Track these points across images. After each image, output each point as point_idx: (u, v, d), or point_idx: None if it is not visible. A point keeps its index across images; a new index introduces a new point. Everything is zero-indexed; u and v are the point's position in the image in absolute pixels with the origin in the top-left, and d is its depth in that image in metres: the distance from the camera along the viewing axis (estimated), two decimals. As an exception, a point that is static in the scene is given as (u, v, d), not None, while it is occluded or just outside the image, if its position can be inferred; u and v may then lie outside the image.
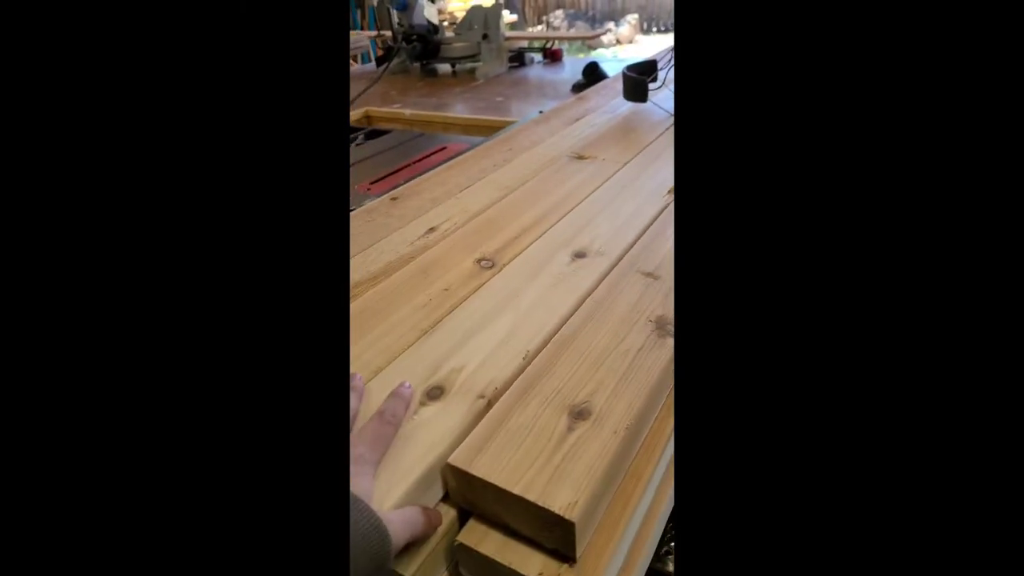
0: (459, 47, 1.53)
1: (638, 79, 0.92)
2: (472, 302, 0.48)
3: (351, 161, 1.08)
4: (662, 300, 0.47)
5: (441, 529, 0.34)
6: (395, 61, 1.56)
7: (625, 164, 0.74)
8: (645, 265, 0.52)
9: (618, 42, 5.41)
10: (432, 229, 0.61)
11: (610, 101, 1.03)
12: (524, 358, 0.41)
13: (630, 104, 0.97)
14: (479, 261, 0.54)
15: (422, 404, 0.38)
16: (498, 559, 0.32)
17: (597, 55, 1.45)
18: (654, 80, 0.95)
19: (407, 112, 1.31)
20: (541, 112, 1.07)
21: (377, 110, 1.36)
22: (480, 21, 1.50)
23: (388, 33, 1.62)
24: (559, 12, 5.88)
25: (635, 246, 0.55)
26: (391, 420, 0.35)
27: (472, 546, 0.33)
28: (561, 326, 0.44)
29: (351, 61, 2.05)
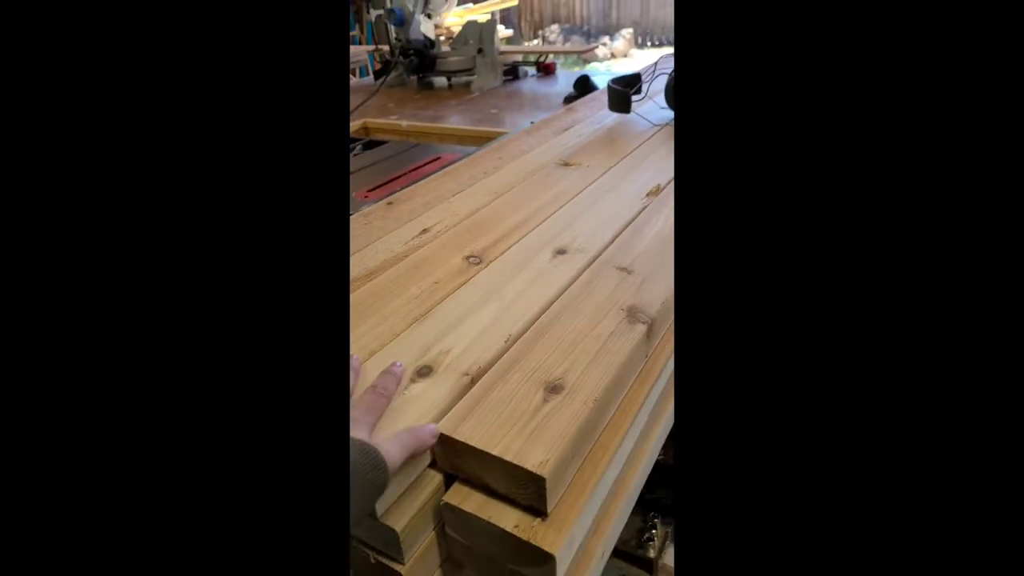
0: (455, 61, 1.58)
1: (622, 91, 0.97)
2: (460, 293, 0.52)
3: (351, 170, 1.12)
4: (634, 292, 0.51)
5: (428, 492, 0.38)
6: (392, 74, 1.61)
7: (608, 170, 0.79)
8: (621, 261, 0.56)
9: (612, 56, 5.50)
10: (425, 230, 0.66)
11: (596, 112, 1.08)
12: (506, 341, 0.45)
13: (615, 115, 1.02)
14: (467, 258, 0.58)
15: (412, 381, 0.42)
16: (479, 514, 0.36)
17: (591, 69, 1.51)
18: (638, 92, 1.00)
19: (404, 123, 1.36)
20: (532, 123, 1.12)
21: (375, 121, 1.40)
22: (475, 36, 1.56)
23: (386, 47, 1.67)
24: (555, 26, 5.99)
25: (612, 244, 0.59)
26: (383, 393, 0.40)
27: (456, 504, 0.37)
28: (541, 314, 0.49)
29: (350, 74, 2.10)
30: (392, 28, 1.58)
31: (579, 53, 4.42)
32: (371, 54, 1.68)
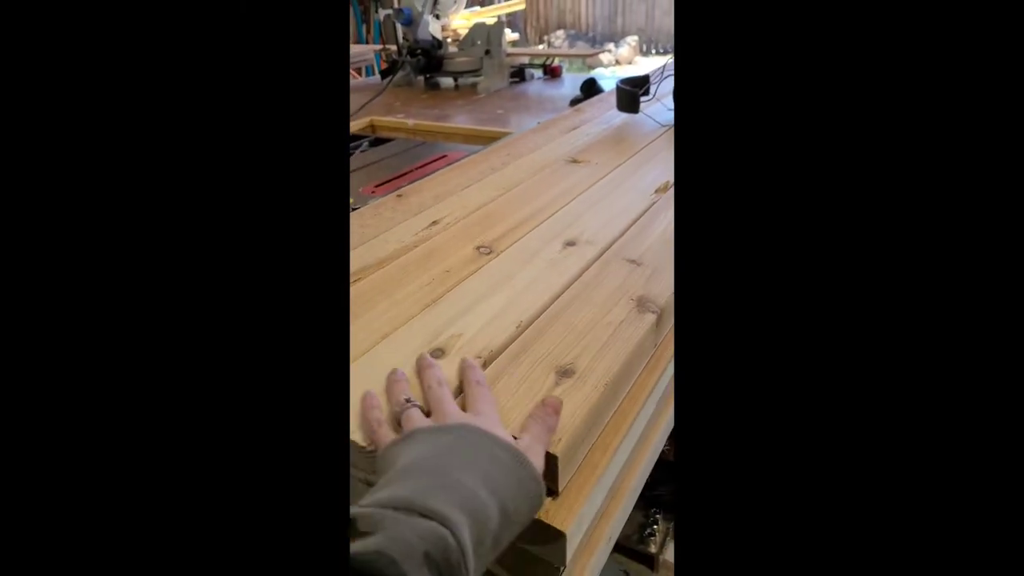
0: (462, 62, 1.60)
1: (631, 91, 0.98)
2: (471, 281, 0.53)
3: (357, 166, 1.13)
4: (644, 283, 0.51)
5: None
6: (399, 74, 1.63)
7: (616, 167, 0.80)
8: (630, 253, 0.57)
9: (617, 63, 5.53)
10: (435, 222, 0.66)
11: (604, 113, 1.09)
12: (517, 327, 0.46)
13: (623, 115, 1.03)
14: (478, 248, 0.59)
15: (425, 363, 0.42)
16: (491, 494, 0.36)
17: (596, 74, 1.53)
18: (646, 93, 1.01)
19: (410, 122, 1.37)
20: (539, 123, 1.12)
21: (381, 119, 1.41)
22: (483, 37, 1.57)
23: (393, 47, 1.68)
24: (560, 32, 6.02)
25: (622, 237, 0.60)
26: (486, 387, 0.39)
27: (468, 483, 0.37)
28: (552, 303, 0.49)
29: (356, 74, 2.12)
30: (400, 28, 1.60)
31: (585, 57, 4.45)
32: (378, 53, 1.69)
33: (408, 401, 0.37)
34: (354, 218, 0.70)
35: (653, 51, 5.89)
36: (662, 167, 0.78)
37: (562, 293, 0.50)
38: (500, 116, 1.37)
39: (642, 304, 0.48)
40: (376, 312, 0.49)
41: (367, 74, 2.20)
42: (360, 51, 1.99)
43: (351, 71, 2.06)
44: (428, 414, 0.37)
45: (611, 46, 5.71)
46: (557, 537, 0.34)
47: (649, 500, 0.80)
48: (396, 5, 1.57)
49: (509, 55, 1.71)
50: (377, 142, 1.30)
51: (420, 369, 0.41)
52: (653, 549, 0.76)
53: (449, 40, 1.68)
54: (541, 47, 5.72)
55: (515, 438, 0.34)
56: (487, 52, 1.58)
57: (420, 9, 1.55)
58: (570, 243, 0.59)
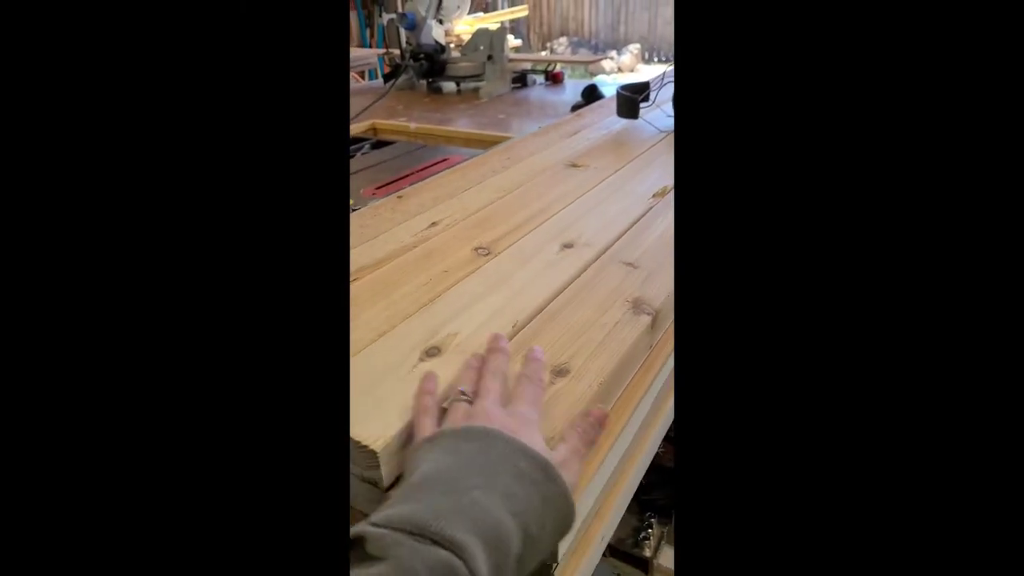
0: (464, 66, 1.60)
1: (631, 97, 0.99)
2: (468, 282, 0.53)
3: (358, 168, 1.13)
4: (640, 285, 0.52)
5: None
6: (402, 78, 1.64)
7: (615, 171, 0.80)
8: (627, 256, 0.57)
9: (619, 70, 5.56)
10: (434, 223, 0.67)
11: (605, 118, 1.10)
12: (513, 327, 0.46)
13: (623, 121, 1.04)
14: (476, 249, 0.59)
15: (421, 360, 0.43)
16: (484, 491, 0.36)
17: (598, 80, 1.54)
18: (646, 99, 1.02)
19: (412, 125, 1.38)
20: (540, 128, 1.13)
21: (383, 123, 1.42)
22: (486, 43, 1.58)
23: (397, 51, 1.69)
24: (563, 39, 6.05)
25: (619, 240, 0.60)
26: (540, 382, 0.38)
27: (461, 481, 0.37)
28: (548, 303, 0.49)
29: (359, 77, 2.13)
30: (404, 32, 1.61)
31: (587, 63, 4.47)
32: (381, 57, 1.70)
33: (463, 394, 0.36)
34: (354, 219, 0.71)
35: (655, 59, 5.92)
36: (660, 172, 0.79)
37: (559, 294, 0.51)
38: (502, 121, 1.37)
39: (638, 306, 0.49)
40: (374, 311, 0.49)
41: (370, 77, 2.21)
42: (363, 55, 2.00)
43: (353, 74, 2.07)
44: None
45: (613, 54, 5.74)
46: (549, 534, 0.34)
47: (644, 504, 0.80)
48: (400, 9, 1.58)
49: (511, 60, 1.72)
50: (379, 145, 1.31)
51: (487, 352, 0.39)
52: (648, 553, 0.76)
53: (452, 45, 1.69)
54: (544, 53, 5.75)
55: (551, 447, 0.33)
56: (489, 57, 1.58)
57: (424, 14, 1.56)
58: (568, 245, 0.59)
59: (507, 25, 1.69)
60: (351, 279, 0.55)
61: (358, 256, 0.59)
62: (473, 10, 1.80)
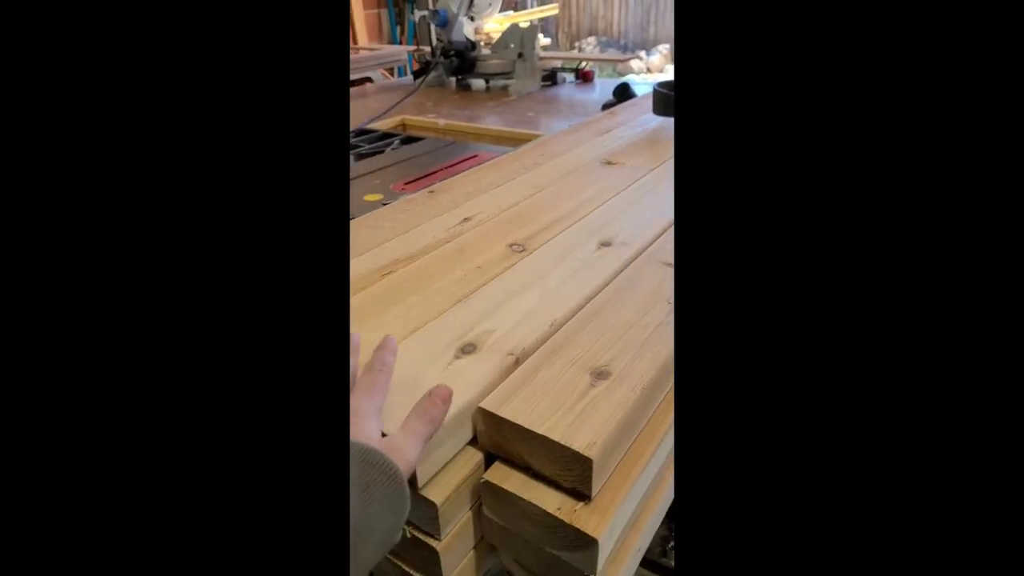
0: (494, 64, 1.59)
1: (668, 94, 0.97)
2: (503, 278, 0.52)
3: (388, 163, 1.13)
4: (681, 286, 0.50)
5: (468, 469, 0.37)
6: (432, 75, 1.63)
7: (651, 170, 0.78)
8: (666, 257, 0.55)
9: (648, 70, 5.50)
10: (467, 219, 0.66)
11: (639, 116, 1.08)
12: (551, 326, 0.45)
13: (659, 119, 1.01)
14: (511, 245, 0.58)
15: (456, 357, 0.41)
16: (521, 495, 0.35)
17: (627, 79, 1.51)
18: (682, 98, 0.99)
19: (441, 122, 1.37)
20: (570, 126, 1.11)
21: (412, 119, 1.42)
22: (516, 40, 1.57)
23: (427, 48, 1.69)
24: (591, 39, 6.01)
25: (657, 240, 0.58)
26: (381, 368, 0.36)
27: (497, 483, 0.36)
28: (586, 303, 0.48)
29: (387, 74, 2.13)
30: (435, 29, 1.60)
31: (616, 63, 4.44)
32: (411, 54, 1.70)
33: None
34: (386, 212, 0.70)
35: (684, 60, 5.82)
36: (699, 171, 0.77)
37: (597, 294, 0.49)
38: (531, 119, 1.36)
39: (679, 308, 0.47)
40: (407, 305, 0.48)
41: (399, 74, 2.21)
42: (394, 51, 2.01)
43: (382, 71, 2.08)
44: None
45: (642, 54, 5.68)
46: (589, 544, 0.33)
47: (670, 514, 0.78)
48: (432, 6, 1.57)
49: (541, 59, 1.71)
50: (408, 140, 1.30)
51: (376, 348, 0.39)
52: (675, 563, 0.74)
53: (481, 43, 1.68)
54: (573, 53, 5.72)
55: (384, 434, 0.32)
56: (520, 55, 1.57)
57: (456, 11, 1.56)
58: (605, 243, 0.58)
59: (537, 23, 1.67)
60: (385, 272, 0.54)
61: (391, 249, 0.59)
62: (503, 8, 1.79)
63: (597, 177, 0.77)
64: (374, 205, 0.88)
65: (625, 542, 0.39)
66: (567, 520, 0.33)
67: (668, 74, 5.37)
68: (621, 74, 4.76)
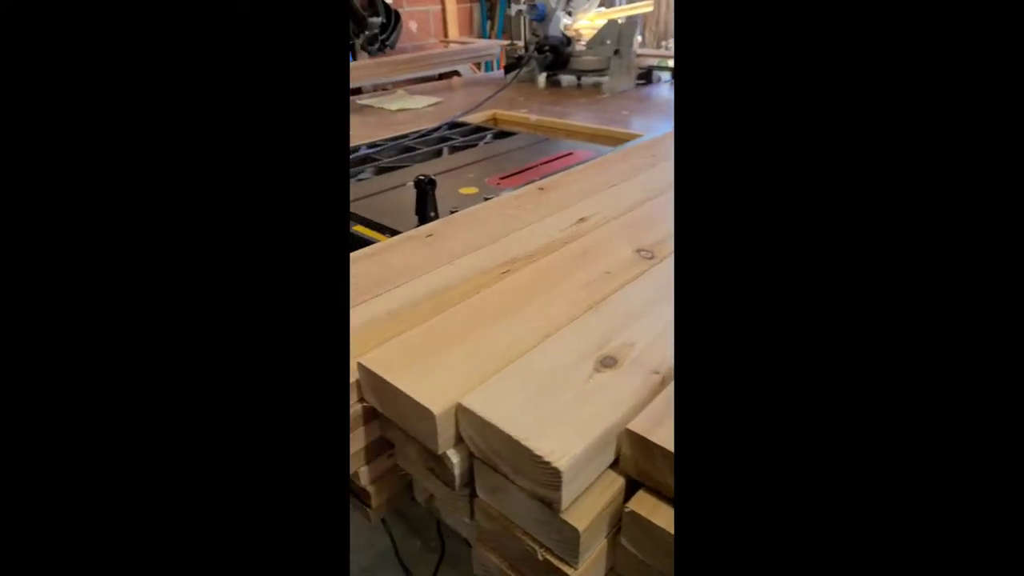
0: (589, 60, 1.56)
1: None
2: (635, 286, 0.48)
3: (481, 157, 1.12)
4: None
5: (609, 495, 0.34)
6: (524, 70, 1.61)
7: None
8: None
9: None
10: (583, 219, 0.62)
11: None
12: (695, 343, 0.41)
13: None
14: (638, 251, 0.54)
15: (596, 371, 0.38)
16: (670, 530, 0.32)
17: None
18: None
19: (533, 118, 1.35)
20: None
21: (504, 113, 1.40)
22: (613, 37, 1.52)
23: (520, 43, 1.67)
24: (673, 41, 5.85)
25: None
26: None
27: (644, 515, 0.33)
28: (728, 320, 0.44)
29: (475, 68, 2.13)
30: (529, 24, 1.58)
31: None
32: (504, 48, 1.69)
33: None
34: (493, 207, 0.68)
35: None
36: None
37: (740, 310, 0.45)
38: (624, 117, 1.31)
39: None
40: (534, 308, 0.46)
41: (486, 69, 2.21)
42: (485, 45, 2.00)
43: (471, 65, 2.08)
44: None
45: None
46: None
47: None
48: (530, 0, 1.55)
49: (638, 56, 1.65)
50: (500, 135, 1.28)
51: None
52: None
53: (574, 39, 1.64)
54: (661, 51, 5.58)
55: None
56: (616, 52, 1.53)
57: (554, 6, 1.53)
58: (740, 256, 0.53)
59: (636, 19, 1.62)
60: (504, 270, 0.52)
61: (508, 246, 0.56)
62: (601, 3, 1.75)
63: (717, 182, 0.72)
64: (472, 199, 0.87)
65: None
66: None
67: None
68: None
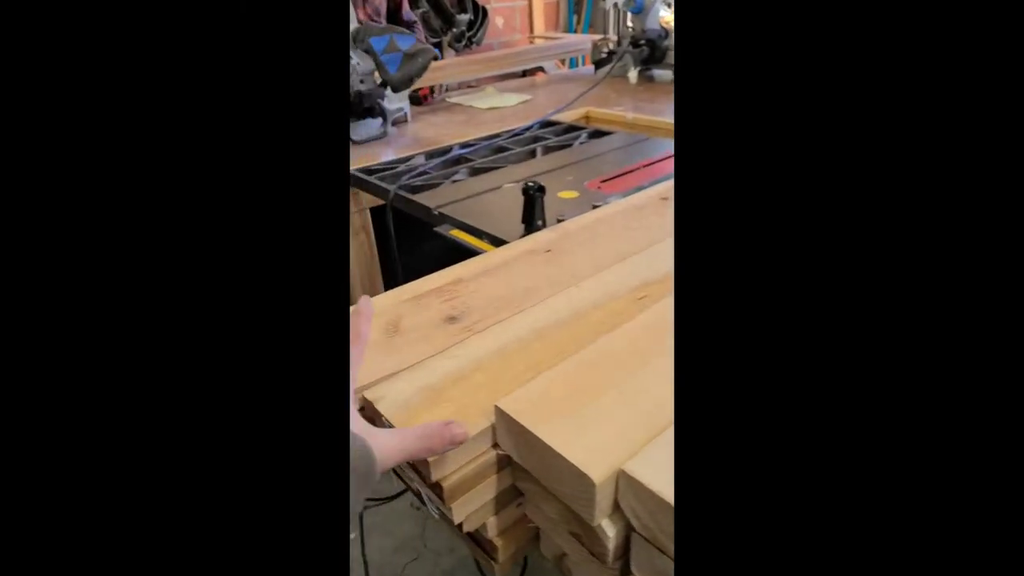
0: (689, 54, 1.46)
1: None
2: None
3: (577, 159, 1.06)
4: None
5: None
6: (617, 64, 1.54)
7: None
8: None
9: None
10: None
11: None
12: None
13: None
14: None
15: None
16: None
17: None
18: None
19: (629, 115, 1.28)
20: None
21: (597, 111, 1.34)
22: (717, 28, 1.42)
23: (613, 37, 1.60)
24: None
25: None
26: (355, 340, 0.36)
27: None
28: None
29: (560, 64, 2.07)
30: (629, 16, 1.50)
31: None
32: (595, 43, 1.62)
33: None
34: (611, 215, 0.62)
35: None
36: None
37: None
38: (730, 116, 1.22)
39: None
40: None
41: (571, 65, 2.14)
42: (574, 40, 1.93)
43: (556, 62, 2.02)
44: None
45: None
46: None
47: None
48: (625, -8, 1.48)
49: (741, 49, 1.54)
50: (596, 134, 1.22)
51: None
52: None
53: (672, 32, 1.55)
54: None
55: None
56: (719, 45, 1.42)
57: (653, -4, 1.45)
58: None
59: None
60: (639, 295, 0.46)
61: (638, 266, 0.50)
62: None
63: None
64: (574, 203, 0.81)
65: None
66: None
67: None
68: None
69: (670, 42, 1.49)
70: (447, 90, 1.59)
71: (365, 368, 0.39)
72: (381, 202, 0.97)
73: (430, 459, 0.33)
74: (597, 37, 1.71)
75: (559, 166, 1.01)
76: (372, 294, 1.21)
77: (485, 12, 1.85)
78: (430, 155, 1.07)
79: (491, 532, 0.38)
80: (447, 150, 1.09)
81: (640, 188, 0.80)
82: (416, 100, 1.45)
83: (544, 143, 1.15)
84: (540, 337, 0.42)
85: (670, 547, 0.29)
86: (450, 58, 1.76)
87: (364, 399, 0.38)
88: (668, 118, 1.22)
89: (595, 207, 0.73)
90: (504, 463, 0.36)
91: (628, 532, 0.31)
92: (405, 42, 1.10)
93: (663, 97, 1.38)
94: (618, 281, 0.48)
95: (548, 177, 0.95)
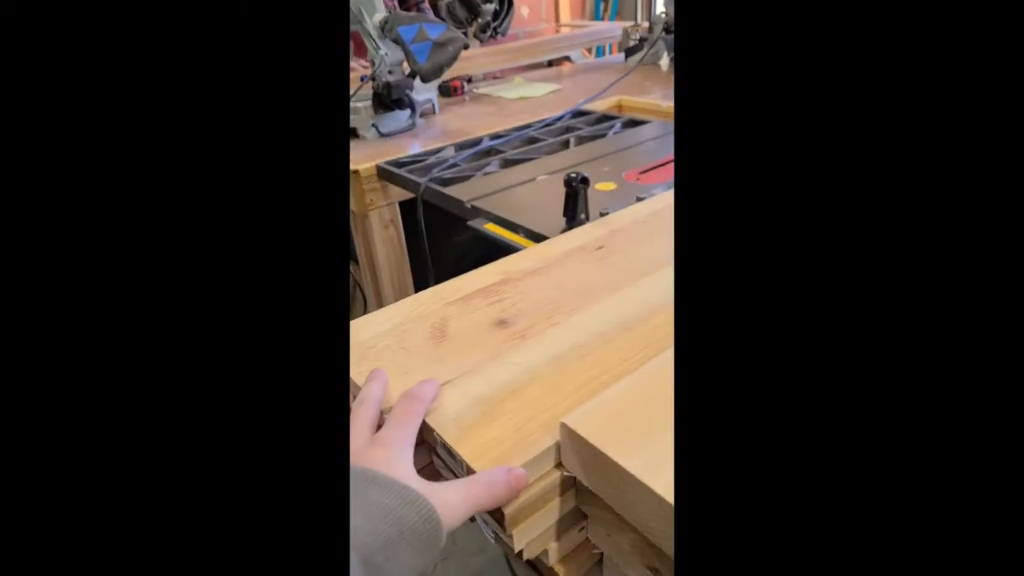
0: (725, 39, 1.40)
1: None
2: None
3: (613, 149, 1.02)
4: None
5: None
6: (649, 51, 1.48)
7: None
8: None
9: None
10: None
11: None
12: None
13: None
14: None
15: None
16: None
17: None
18: None
19: (664, 104, 1.23)
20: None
21: (630, 99, 1.29)
22: (755, 11, 1.36)
23: (645, 24, 1.54)
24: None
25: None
26: (419, 396, 0.34)
27: None
28: None
29: (587, 53, 2.02)
30: (659, 1, 1.45)
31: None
32: (626, 30, 1.57)
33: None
34: (660, 209, 0.58)
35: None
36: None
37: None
38: (770, 103, 1.16)
39: None
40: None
41: (597, 54, 2.09)
42: (603, 28, 1.88)
43: (583, 50, 1.97)
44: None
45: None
46: None
47: None
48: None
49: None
50: (630, 124, 1.17)
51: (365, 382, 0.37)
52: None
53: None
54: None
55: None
56: (758, 29, 1.36)
57: (687, -21, 1.39)
58: None
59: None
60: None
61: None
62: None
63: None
64: (613, 196, 0.77)
65: None
66: None
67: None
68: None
69: (705, 27, 1.43)
70: (471, 81, 1.55)
71: (411, 378, 0.36)
72: (410, 195, 0.94)
73: None
74: (627, 24, 1.65)
75: (594, 157, 0.97)
76: (401, 289, 1.17)
77: (511, 2, 1.81)
78: (460, 147, 1.04)
79: (552, 559, 0.34)
80: (477, 141, 1.05)
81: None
82: (447, 91, 1.41)
83: (577, 133, 1.10)
84: (603, 342, 0.38)
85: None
86: (475, 48, 1.72)
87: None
88: (705, 106, 1.16)
89: (639, 199, 0.69)
90: (568, 484, 0.33)
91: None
92: (435, 31, 1.06)
93: (698, 85, 1.33)
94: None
95: (583, 168, 0.91)
